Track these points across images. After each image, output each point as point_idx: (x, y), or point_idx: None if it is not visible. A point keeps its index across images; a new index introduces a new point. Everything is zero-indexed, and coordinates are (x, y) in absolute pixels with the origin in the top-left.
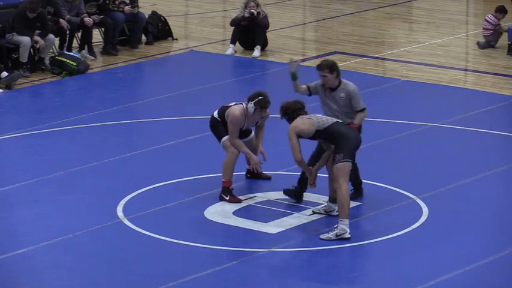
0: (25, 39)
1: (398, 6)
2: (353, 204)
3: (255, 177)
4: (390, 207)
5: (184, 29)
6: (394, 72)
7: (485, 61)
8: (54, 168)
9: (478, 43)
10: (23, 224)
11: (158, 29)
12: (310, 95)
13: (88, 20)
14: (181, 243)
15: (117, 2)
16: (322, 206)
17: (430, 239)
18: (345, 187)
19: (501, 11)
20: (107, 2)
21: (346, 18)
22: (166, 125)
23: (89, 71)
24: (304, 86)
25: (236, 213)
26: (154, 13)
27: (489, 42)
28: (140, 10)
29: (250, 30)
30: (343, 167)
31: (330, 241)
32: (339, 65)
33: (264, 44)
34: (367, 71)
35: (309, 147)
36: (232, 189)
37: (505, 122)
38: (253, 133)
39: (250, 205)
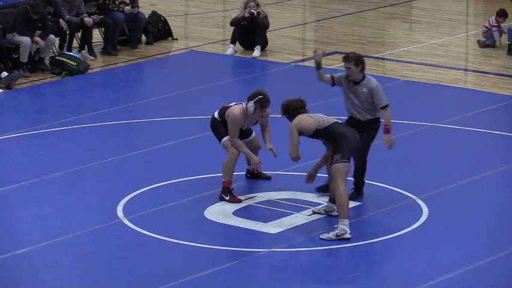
0: (25, 40)
1: (398, 6)
2: (353, 204)
3: (255, 177)
4: (390, 207)
5: (184, 29)
6: (394, 72)
7: (485, 61)
8: (54, 168)
9: (478, 41)
10: (23, 224)
11: (158, 29)
12: (333, 85)
13: (88, 20)
14: (181, 243)
15: (117, 2)
16: (322, 206)
17: (430, 239)
18: (342, 187)
19: (501, 14)
20: (107, 2)
21: (346, 18)
22: (166, 125)
23: (89, 71)
24: (328, 76)
25: (236, 213)
26: (154, 13)
27: (485, 41)
28: (140, 10)
29: (250, 30)
30: (341, 168)
31: (330, 241)
32: (338, 65)
33: (264, 44)
34: (367, 71)
35: (310, 147)
36: (232, 189)
37: (505, 122)
38: (253, 133)
39: (250, 205)
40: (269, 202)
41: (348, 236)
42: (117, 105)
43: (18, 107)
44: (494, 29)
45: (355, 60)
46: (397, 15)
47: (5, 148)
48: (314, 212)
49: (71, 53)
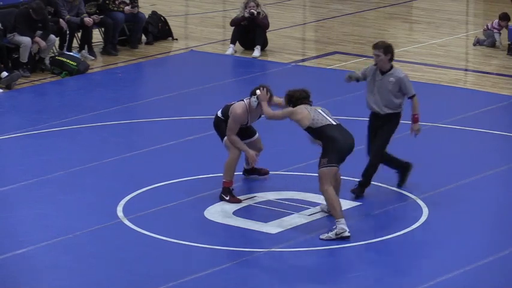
0: (26, 40)
1: (398, 6)
2: (353, 204)
3: (252, 174)
4: (390, 207)
5: (184, 29)
6: None
7: (485, 61)
8: (54, 168)
9: (476, 38)
10: (23, 224)
11: (158, 29)
12: (364, 79)
13: (88, 20)
14: (181, 243)
15: (117, 2)
16: (325, 205)
17: (430, 239)
18: (330, 190)
19: (504, 18)
20: (107, 2)
21: (346, 18)
22: (166, 125)
23: (89, 71)
24: (360, 74)
25: (236, 213)
26: (154, 13)
27: (484, 41)
28: (140, 10)
29: (250, 30)
30: (327, 172)
31: (330, 241)
32: (338, 65)
33: (264, 44)
34: None
35: (310, 146)
36: (233, 189)
37: (505, 122)
38: (257, 135)
39: (250, 205)
40: (269, 202)
41: (347, 234)
42: (117, 105)
43: (18, 107)
44: (496, 30)
45: (385, 48)
46: (397, 15)
47: (5, 148)
48: (321, 209)
49: (71, 53)
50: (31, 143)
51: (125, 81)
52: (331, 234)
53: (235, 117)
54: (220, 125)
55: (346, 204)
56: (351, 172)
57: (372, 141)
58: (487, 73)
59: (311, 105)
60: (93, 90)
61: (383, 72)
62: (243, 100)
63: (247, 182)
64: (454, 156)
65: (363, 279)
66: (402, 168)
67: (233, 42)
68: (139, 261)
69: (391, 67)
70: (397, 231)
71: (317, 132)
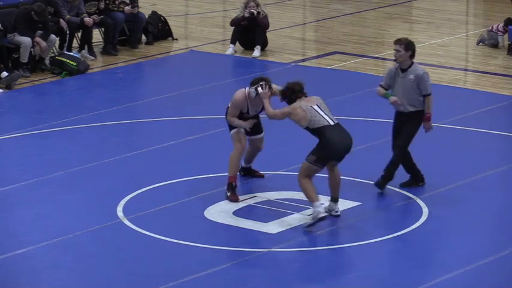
0: (26, 40)
1: (398, 6)
2: (353, 204)
3: (248, 174)
4: (390, 207)
5: (184, 29)
6: None
7: (485, 61)
8: (54, 168)
9: (481, 36)
10: (23, 224)
11: (158, 29)
12: (389, 85)
13: (88, 20)
14: (181, 243)
15: (117, 2)
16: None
17: (430, 239)
18: (304, 181)
19: (508, 23)
20: (107, 2)
21: (346, 18)
22: (166, 125)
23: (89, 71)
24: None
25: (236, 213)
26: (154, 13)
27: (485, 41)
28: (140, 10)
29: (250, 30)
30: (309, 168)
31: (329, 241)
32: (338, 65)
33: (264, 44)
34: (367, 71)
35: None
36: (236, 186)
37: (505, 122)
38: (263, 134)
39: (250, 205)
40: (269, 202)
41: (322, 215)
42: (117, 105)
43: (18, 107)
44: (500, 33)
45: (406, 44)
46: (397, 15)
47: (5, 148)
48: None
49: (71, 53)
50: (31, 143)
51: (124, 81)
52: (310, 220)
53: (234, 102)
54: None
55: (346, 204)
56: (351, 172)
57: (396, 138)
58: (487, 73)
59: (306, 96)
60: (93, 90)
61: (403, 70)
62: (244, 88)
63: (247, 182)
64: (454, 156)
65: (363, 279)
66: (415, 178)
67: (233, 42)
68: (139, 261)
69: (412, 64)
70: (397, 231)
71: (315, 132)
